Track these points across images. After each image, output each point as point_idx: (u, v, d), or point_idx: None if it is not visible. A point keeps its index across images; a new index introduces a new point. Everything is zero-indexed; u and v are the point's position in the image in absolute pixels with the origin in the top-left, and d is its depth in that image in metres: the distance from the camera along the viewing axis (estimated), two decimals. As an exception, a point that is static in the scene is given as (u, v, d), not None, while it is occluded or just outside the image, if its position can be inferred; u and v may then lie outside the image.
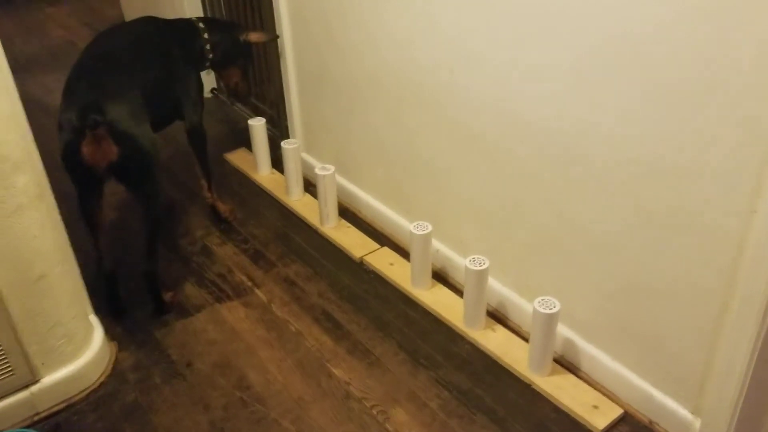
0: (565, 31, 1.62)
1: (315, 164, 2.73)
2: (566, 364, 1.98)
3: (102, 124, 1.90)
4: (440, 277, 2.35)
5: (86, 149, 1.93)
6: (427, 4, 1.97)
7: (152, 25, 2.48)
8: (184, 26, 2.55)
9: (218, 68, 2.68)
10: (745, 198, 1.39)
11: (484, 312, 2.09)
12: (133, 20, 2.54)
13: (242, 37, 2.63)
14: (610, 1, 1.49)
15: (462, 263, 2.16)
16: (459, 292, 2.24)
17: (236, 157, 3.16)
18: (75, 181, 2.05)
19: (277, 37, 2.72)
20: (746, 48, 1.30)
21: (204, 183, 2.65)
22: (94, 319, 2.07)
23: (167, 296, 2.26)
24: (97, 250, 2.17)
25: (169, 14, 3.60)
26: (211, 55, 2.56)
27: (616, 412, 1.83)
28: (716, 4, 1.31)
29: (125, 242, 2.56)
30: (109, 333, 2.15)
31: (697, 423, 1.68)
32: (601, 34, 1.54)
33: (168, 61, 2.37)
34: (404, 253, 2.44)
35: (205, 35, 2.54)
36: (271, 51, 2.92)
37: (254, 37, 2.67)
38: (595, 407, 1.84)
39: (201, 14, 3.50)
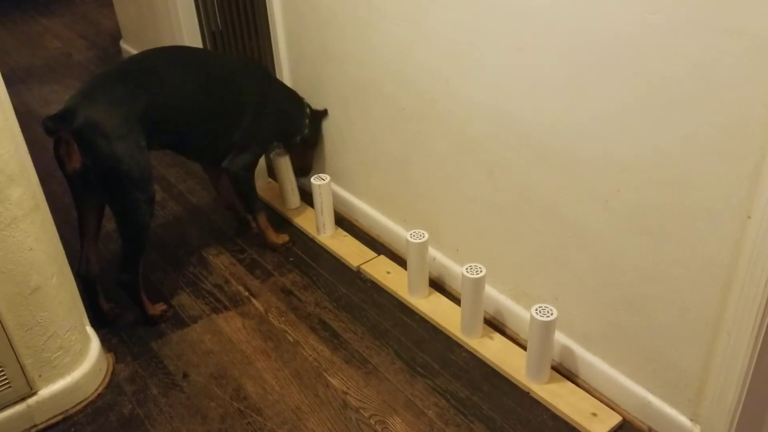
0: (560, 40, 1.63)
1: (311, 173, 2.73)
2: (564, 371, 1.98)
3: (63, 130, 1.90)
4: (437, 285, 2.35)
5: (60, 152, 1.94)
6: (423, 15, 1.98)
7: (251, 69, 2.49)
8: (290, 95, 2.60)
9: (298, 148, 2.70)
10: (739, 204, 1.40)
11: (481, 320, 2.09)
12: (240, 59, 2.55)
13: (319, 122, 2.67)
14: (603, 10, 1.50)
15: (459, 271, 2.16)
16: (456, 300, 2.24)
17: (233, 167, 3.16)
18: (66, 179, 2.04)
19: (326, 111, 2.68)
20: (738, 55, 1.30)
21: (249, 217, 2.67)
22: (90, 331, 2.07)
23: (158, 309, 2.26)
24: (80, 252, 2.15)
25: (165, 24, 3.61)
26: (306, 131, 2.60)
27: (615, 419, 1.82)
28: (709, 11, 1.31)
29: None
30: (106, 344, 2.15)
31: (696, 430, 1.68)
32: (596, 44, 1.55)
33: (239, 110, 2.37)
34: (401, 262, 2.44)
35: (308, 110, 2.60)
36: (267, 59, 2.92)
37: (320, 113, 2.67)
38: (594, 415, 1.84)
39: (196, 23, 3.50)
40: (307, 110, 2.60)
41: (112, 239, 2.59)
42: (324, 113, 2.65)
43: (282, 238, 2.61)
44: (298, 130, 2.60)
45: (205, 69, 2.34)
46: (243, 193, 2.52)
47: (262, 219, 2.57)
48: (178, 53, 2.42)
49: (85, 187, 2.06)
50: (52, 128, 1.90)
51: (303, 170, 2.79)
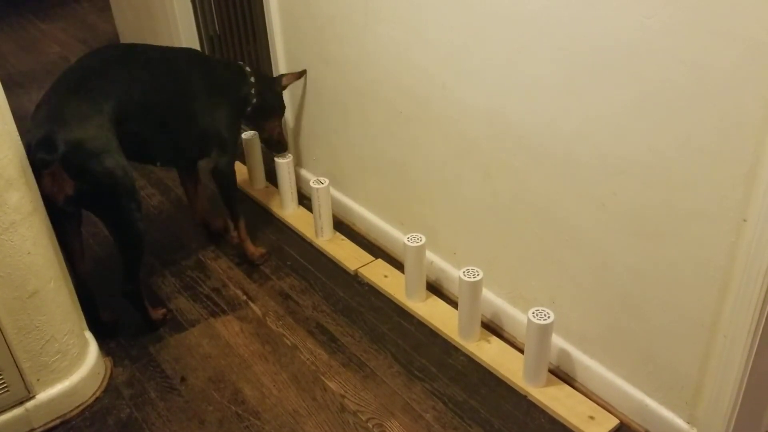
0: (556, 44, 1.63)
1: (309, 177, 2.73)
2: (561, 374, 1.98)
3: (52, 162, 1.85)
4: (435, 288, 2.35)
5: (45, 181, 1.87)
6: (420, 19, 1.99)
7: (186, 56, 2.39)
8: (229, 68, 2.50)
9: (258, 120, 2.62)
10: (735, 207, 1.40)
11: (478, 323, 2.09)
12: (165, 47, 2.42)
13: (278, 87, 2.58)
14: (599, 14, 1.51)
15: (456, 275, 2.16)
16: (454, 303, 2.24)
17: (231, 171, 3.16)
18: (45, 207, 1.93)
19: (305, 72, 2.62)
20: (733, 58, 1.31)
21: (230, 223, 2.58)
22: (88, 335, 2.07)
23: (158, 313, 2.26)
24: (72, 277, 2.08)
25: (163, 28, 3.62)
26: (254, 100, 2.49)
27: (612, 422, 1.83)
28: (704, 15, 1.32)
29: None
30: (104, 348, 2.15)
31: (692, 432, 1.68)
32: (592, 47, 1.55)
33: (189, 97, 2.29)
34: (399, 266, 2.45)
35: (252, 79, 2.48)
36: (264, 63, 2.93)
37: (286, 80, 2.59)
38: (591, 418, 1.84)
39: (194, 27, 3.51)
40: (251, 78, 2.49)
41: (108, 243, 2.59)
42: (279, 79, 2.58)
43: (259, 251, 2.57)
44: (247, 100, 2.49)
45: (148, 63, 2.26)
46: (226, 193, 2.47)
47: (243, 227, 2.52)
48: (116, 51, 2.31)
49: (75, 210, 2.03)
50: (48, 159, 1.84)
51: (279, 145, 2.70)
